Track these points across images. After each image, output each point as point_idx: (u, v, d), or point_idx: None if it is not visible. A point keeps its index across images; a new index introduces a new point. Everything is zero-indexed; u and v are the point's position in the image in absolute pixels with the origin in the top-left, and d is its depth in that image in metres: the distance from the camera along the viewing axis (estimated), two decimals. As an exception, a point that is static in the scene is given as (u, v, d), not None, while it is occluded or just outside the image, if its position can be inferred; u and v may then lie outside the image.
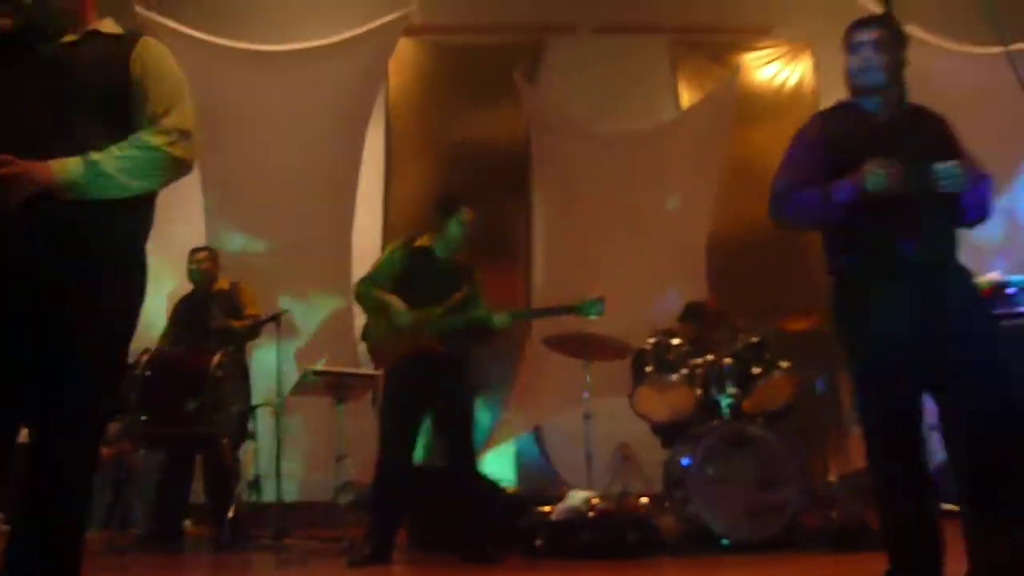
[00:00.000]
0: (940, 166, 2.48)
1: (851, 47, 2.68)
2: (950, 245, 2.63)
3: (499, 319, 4.21)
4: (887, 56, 2.61)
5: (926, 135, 2.61)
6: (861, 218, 2.54)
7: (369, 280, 4.30)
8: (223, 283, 5.28)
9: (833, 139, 2.66)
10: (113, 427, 5.75)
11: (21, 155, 1.88)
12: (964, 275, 2.65)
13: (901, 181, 2.45)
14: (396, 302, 4.12)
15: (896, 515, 2.56)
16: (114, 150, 1.96)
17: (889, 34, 2.65)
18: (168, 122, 2.03)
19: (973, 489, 2.47)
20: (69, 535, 1.99)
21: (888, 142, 2.53)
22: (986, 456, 2.42)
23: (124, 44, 2.09)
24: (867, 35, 2.64)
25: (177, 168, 2.05)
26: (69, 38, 2.07)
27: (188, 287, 5.34)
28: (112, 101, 2.02)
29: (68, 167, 1.91)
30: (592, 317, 4.28)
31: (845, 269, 2.69)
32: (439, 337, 4.11)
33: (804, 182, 2.63)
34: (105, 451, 5.81)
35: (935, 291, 2.49)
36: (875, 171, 2.46)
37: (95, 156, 1.94)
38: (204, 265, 5.27)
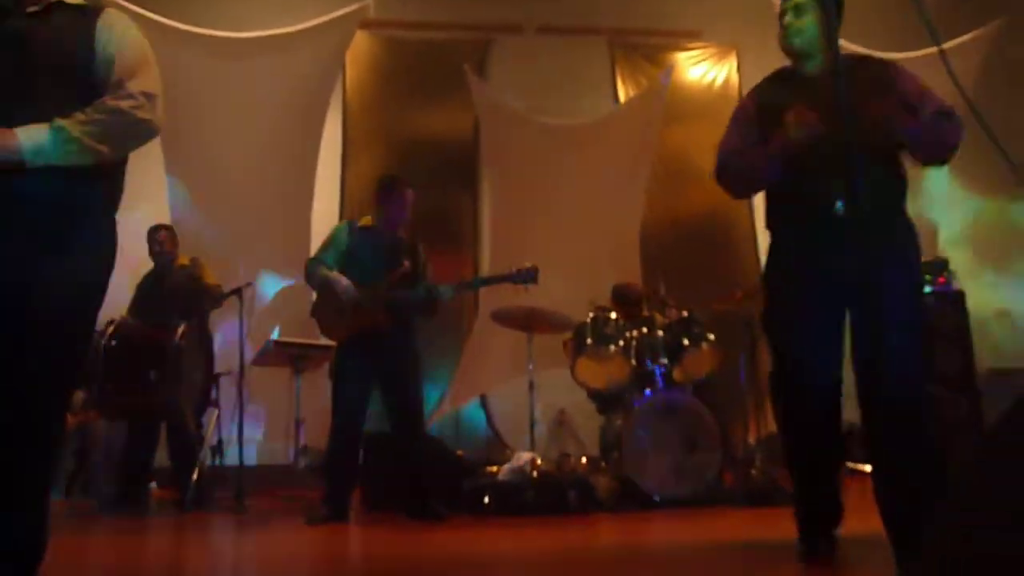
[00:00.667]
0: (867, 106, 2.23)
1: (779, 14, 2.61)
2: (889, 197, 2.42)
3: (442, 290, 4.15)
4: (809, 18, 2.52)
5: (863, 82, 2.30)
6: (793, 174, 2.43)
7: (316, 260, 4.20)
8: (183, 259, 5.14)
9: (764, 104, 2.60)
10: (77, 396, 5.56)
11: None
12: (901, 231, 2.43)
13: (820, 128, 2.30)
14: (341, 279, 4.03)
15: (807, 479, 2.53)
16: (80, 115, 1.87)
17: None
18: (133, 85, 1.94)
19: (876, 446, 2.40)
20: (34, 502, 1.89)
21: (815, 96, 2.37)
22: (889, 415, 2.27)
23: (88, 15, 1.99)
24: (788, 2, 2.57)
25: (144, 130, 1.96)
26: (32, 9, 1.95)
27: (151, 265, 5.17)
28: (78, 69, 1.92)
29: (34, 133, 1.81)
30: (527, 286, 4.22)
31: (778, 226, 2.60)
32: (384, 310, 4.03)
33: (741, 148, 2.57)
34: (69, 419, 5.62)
35: (863, 243, 2.07)
36: (793, 121, 2.37)
37: (61, 122, 1.84)
38: (165, 245, 5.11)
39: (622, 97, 6.99)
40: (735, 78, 7.09)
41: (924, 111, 2.35)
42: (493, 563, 3.02)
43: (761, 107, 2.60)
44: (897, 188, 2.46)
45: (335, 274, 4.06)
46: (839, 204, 2.34)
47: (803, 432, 2.52)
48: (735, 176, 2.62)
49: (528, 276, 4.18)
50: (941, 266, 5.88)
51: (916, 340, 2.31)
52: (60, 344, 1.90)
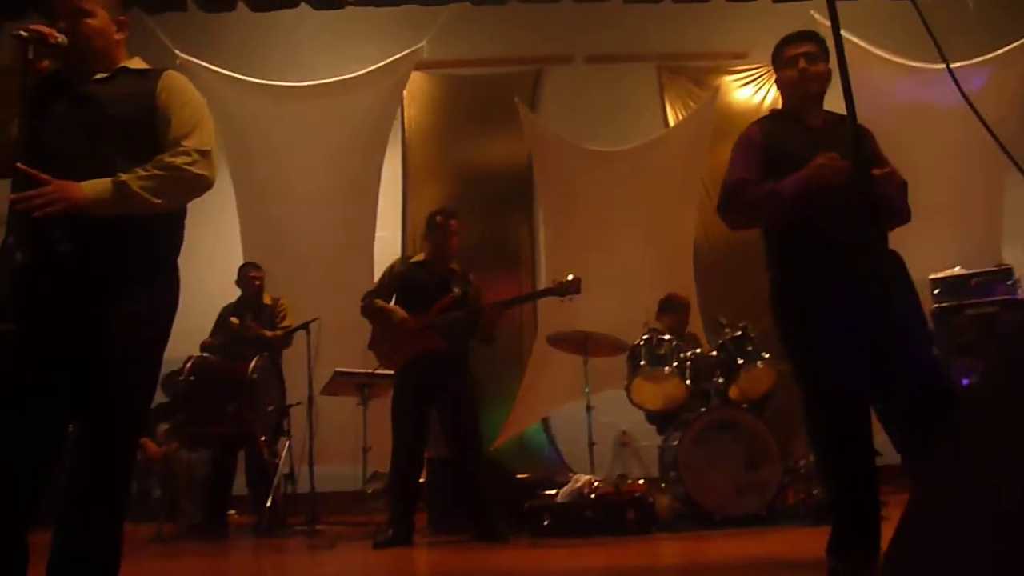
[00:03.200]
0: (877, 172, 2.41)
1: (786, 60, 2.64)
2: (882, 240, 2.53)
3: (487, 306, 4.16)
4: (820, 67, 2.58)
5: (848, 143, 2.46)
6: (807, 218, 2.47)
7: (371, 294, 4.32)
8: (267, 298, 5.39)
9: (773, 143, 2.60)
10: (161, 428, 5.81)
11: (60, 178, 1.92)
12: (898, 259, 2.55)
13: (846, 176, 2.36)
14: (396, 309, 4.13)
15: (839, 488, 2.54)
16: (139, 171, 1.99)
17: (819, 48, 2.62)
18: (189, 143, 2.05)
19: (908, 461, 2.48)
20: (109, 524, 1.98)
21: (823, 146, 2.46)
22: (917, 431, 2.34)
23: (150, 78, 2.13)
24: (802, 48, 2.60)
25: (198, 185, 2.07)
26: (101, 75, 2.11)
27: (228, 298, 5.40)
28: (139, 128, 2.06)
29: (98, 186, 1.94)
30: (572, 298, 4.16)
31: (787, 262, 2.62)
32: (438, 335, 4.09)
33: (752, 180, 2.57)
34: (155, 450, 5.87)
35: (873, 276, 2.29)
36: (826, 164, 2.41)
37: (123, 177, 1.97)
38: (257, 281, 5.37)
39: (671, 121, 6.96)
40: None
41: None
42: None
43: (770, 147, 2.61)
44: (884, 233, 2.57)
45: (389, 305, 4.16)
46: (848, 237, 2.38)
47: (837, 445, 2.52)
48: (748, 207, 2.59)
49: (571, 288, 4.15)
50: (1006, 273, 5.64)
51: (930, 346, 2.58)
52: (136, 382, 2.02)
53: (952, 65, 2.05)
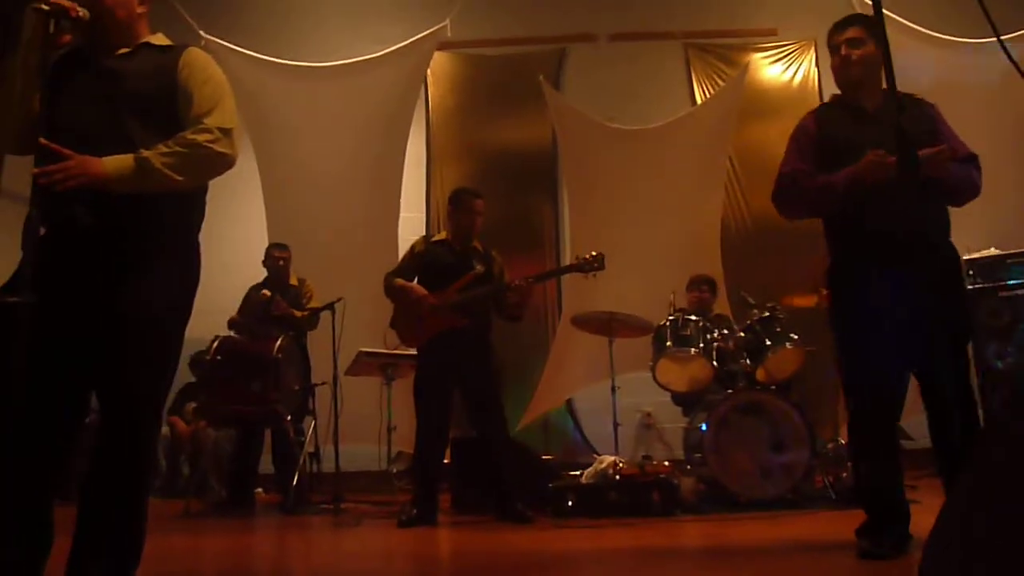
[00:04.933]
0: (924, 153, 2.41)
1: (832, 48, 2.69)
2: (939, 227, 2.57)
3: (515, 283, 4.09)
4: (861, 51, 2.59)
5: (913, 122, 2.52)
6: (856, 206, 2.52)
7: (392, 273, 4.29)
8: (293, 279, 5.41)
9: (827, 132, 2.65)
10: (188, 407, 5.87)
11: (81, 152, 1.91)
12: (951, 259, 2.60)
13: (894, 173, 2.39)
14: (416, 287, 4.11)
15: (873, 477, 2.57)
16: (161, 147, 1.97)
17: (865, 30, 2.62)
18: (211, 121, 2.03)
19: (945, 459, 2.49)
20: (132, 502, 1.99)
21: (877, 131, 2.48)
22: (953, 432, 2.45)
23: (172, 54, 2.11)
24: (842, 35, 2.65)
25: (219, 163, 2.05)
26: (123, 50, 2.09)
27: (254, 278, 5.43)
28: (161, 104, 2.04)
29: (119, 163, 1.93)
30: (595, 274, 4.09)
31: (841, 252, 2.69)
32: (460, 312, 4.06)
33: (806, 172, 2.62)
34: (184, 428, 5.93)
35: (921, 274, 2.37)
36: (875, 161, 2.45)
37: (144, 153, 1.96)
38: (282, 262, 5.39)
39: (699, 100, 6.85)
40: (814, 72, 6.83)
41: (957, 157, 2.52)
42: (576, 563, 3.01)
43: (824, 136, 2.66)
44: (944, 219, 2.60)
45: (410, 283, 4.14)
46: (899, 232, 2.38)
47: (870, 424, 2.57)
48: (799, 198, 2.67)
49: (594, 264, 4.09)
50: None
51: (962, 352, 2.56)
52: (154, 357, 2.01)
53: (994, 39, 1.98)
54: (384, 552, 3.43)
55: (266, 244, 5.63)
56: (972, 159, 2.57)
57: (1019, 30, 6.04)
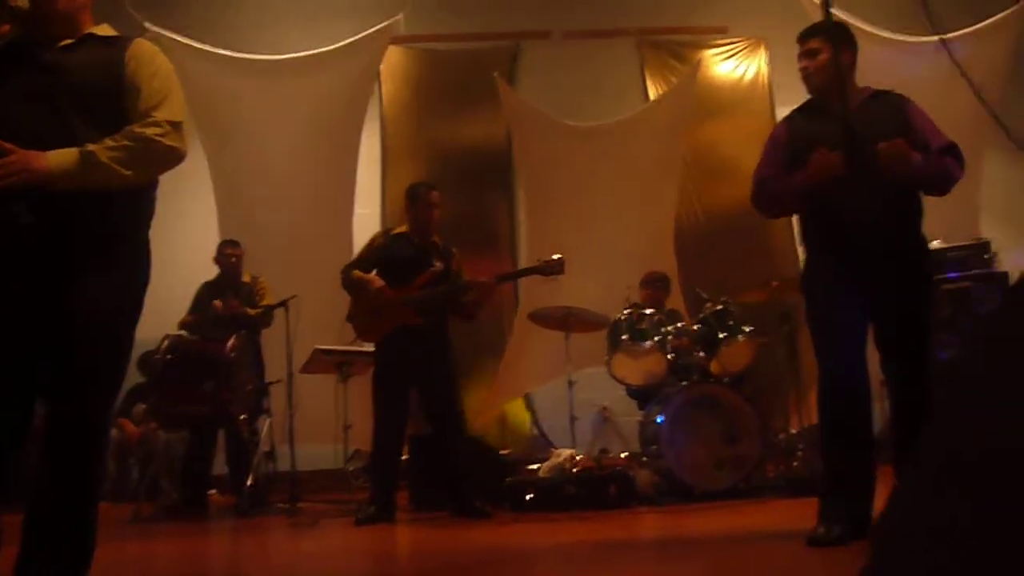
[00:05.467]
0: (881, 146, 2.49)
1: (797, 59, 2.81)
2: (901, 219, 2.62)
3: (477, 283, 4.12)
4: (822, 59, 2.68)
5: (881, 120, 2.63)
6: (820, 202, 2.63)
7: (350, 266, 4.26)
8: (246, 276, 5.32)
9: (794, 136, 2.77)
10: (139, 408, 5.73)
11: (24, 148, 1.84)
12: (913, 250, 2.64)
13: (840, 169, 2.50)
14: (375, 279, 4.08)
15: (836, 454, 2.63)
16: (108, 141, 1.92)
17: (822, 40, 2.71)
18: (160, 114, 1.98)
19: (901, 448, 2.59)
20: (82, 506, 1.93)
21: (841, 131, 2.55)
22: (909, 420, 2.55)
23: (118, 46, 2.05)
24: (802, 47, 2.77)
25: (169, 157, 2.00)
26: (66, 42, 2.02)
27: (205, 275, 5.32)
28: (107, 99, 1.98)
29: (63, 157, 1.87)
30: (557, 277, 4.17)
31: (808, 247, 2.83)
32: (418, 310, 4.05)
33: (772, 177, 2.77)
34: (133, 430, 5.79)
35: (877, 265, 2.51)
36: (818, 159, 2.55)
37: (90, 147, 1.89)
38: (234, 259, 5.30)
39: (652, 97, 6.93)
40: (765, 71, 6.96)
41: (931, 148, 2.58)
42: (534, 557, 3.03)
43: (792, 137, 2.78)
44: (911, 212, 2.67)
45: (368, 275, 4.11)
46: (856, 230, 2.56)
47: (837, 417, 2.64)
48: (768, 201, 2.85)
49: (555, 267, 4.15)
50: (983, 247, 5.67)
51: (926, 342, 2.61)
52: (102, 359, 1.95)
53: (937, 37, 2.06)
54: (342, 551, 3.40)
55: (217, 241, 5.53)
56: (950, 148, 2.61)
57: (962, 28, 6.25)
